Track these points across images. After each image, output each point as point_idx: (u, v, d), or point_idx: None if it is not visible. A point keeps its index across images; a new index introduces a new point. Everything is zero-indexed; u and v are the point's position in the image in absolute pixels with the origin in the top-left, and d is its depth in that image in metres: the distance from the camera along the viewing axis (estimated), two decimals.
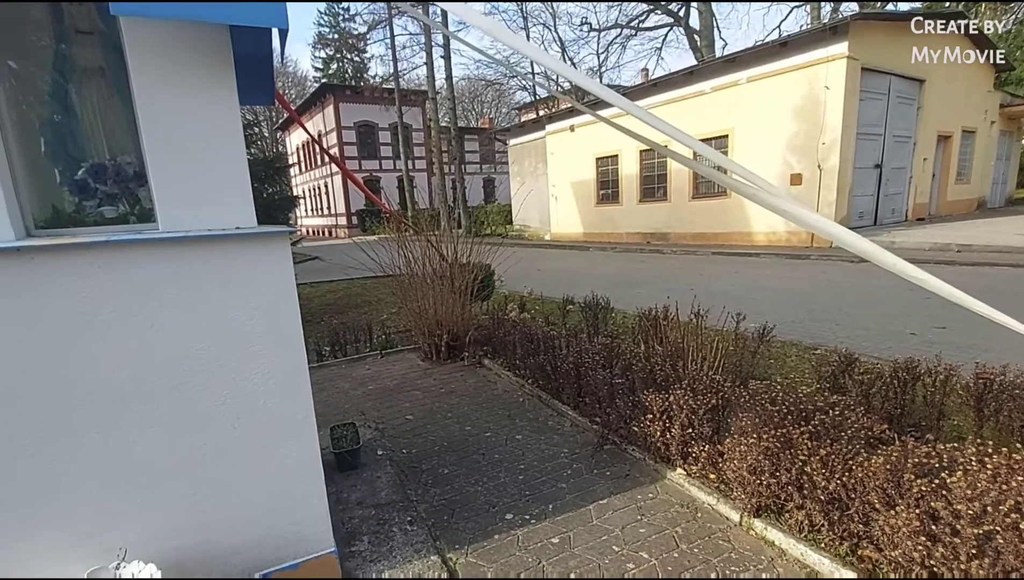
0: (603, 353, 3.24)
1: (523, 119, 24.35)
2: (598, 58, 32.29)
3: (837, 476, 1.67)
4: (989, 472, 1.44)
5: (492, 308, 5.76)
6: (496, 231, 24.52)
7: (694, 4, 26.55)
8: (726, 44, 30.91)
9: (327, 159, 34.39)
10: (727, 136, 13.28)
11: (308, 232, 41.97)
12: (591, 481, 2.54)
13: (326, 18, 44.09)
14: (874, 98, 11.90)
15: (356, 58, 44.48)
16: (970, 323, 4.84)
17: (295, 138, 41.11)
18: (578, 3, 37.69)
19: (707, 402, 2.19)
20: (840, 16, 18.35)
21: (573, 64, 33.36)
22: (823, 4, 26.17)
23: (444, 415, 3.57)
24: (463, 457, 2.92)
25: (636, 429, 2.44)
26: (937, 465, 1.50)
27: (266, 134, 49.24)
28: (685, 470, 2.37)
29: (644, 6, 28.83)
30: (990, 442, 1.98)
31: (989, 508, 1.38)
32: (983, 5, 19.34)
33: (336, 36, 44.00)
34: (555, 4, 33.50)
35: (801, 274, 8.76)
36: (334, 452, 2.79)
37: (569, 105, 21.24)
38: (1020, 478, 1.42)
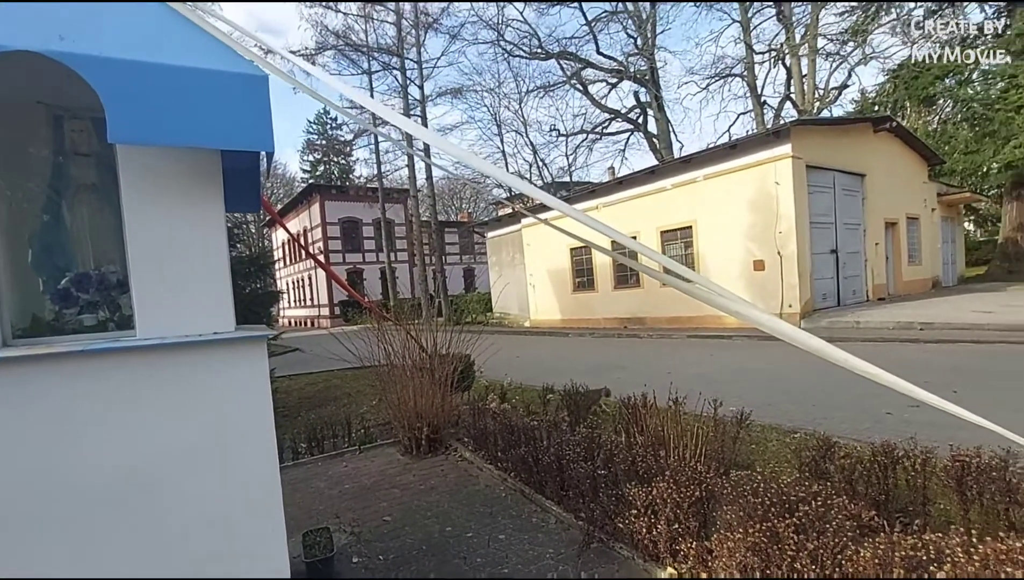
0: (584, 444, 3.19)
1: (500, 213, 25.49)
2: (567, 159, 34.62)
3: (828, 572, 1.63)
4: (977, 564, 1.43)
5: (472, 398, 5.67)
6: (477, 319, 24.67)
7: (651, 112, 29.24)
8: (683, 145, 33.75)
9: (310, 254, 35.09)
10: (691, 227, 14.09)
11: (291, 323, 41.96)
12: None
13: (315, 126, 46.95)
14: (821, 191, 12.94)
15: (342, 161, 46.85)
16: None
17: (282, 233, 42.10)
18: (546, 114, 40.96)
19: (691, 494, 2.16)
20: (782, 122, 20.37)
21: (544, 164, 35.74)
22: (766, 109, 29.11)
23: (424, 515, 3.39)
24: (444, 562, 2.75)
25: (621, 525, 2.36)
26: (924, 557, 1.48)
27: (253, 231, 50.17)
28: (675, 569, 2.27)
29: (607, 114, 31.60)
30: (976, 527, 1.97)
31: None
32: (909, 109, 21.74)
33: (324, 142, 46.61)
34: (525, 112, 36.39)
35: (774, 355, 8.94)
36: (306, 562, 2.61)
37: (538, 203, 22.28)
38: (1009, 568, 1.41)
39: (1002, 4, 18.68)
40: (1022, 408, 4.67)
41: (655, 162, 24.36)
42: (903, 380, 1.23)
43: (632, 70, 28.80)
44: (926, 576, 1.45)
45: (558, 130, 34.23)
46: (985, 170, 18.05)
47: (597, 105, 31.29)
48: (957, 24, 20.43)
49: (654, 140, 29.64)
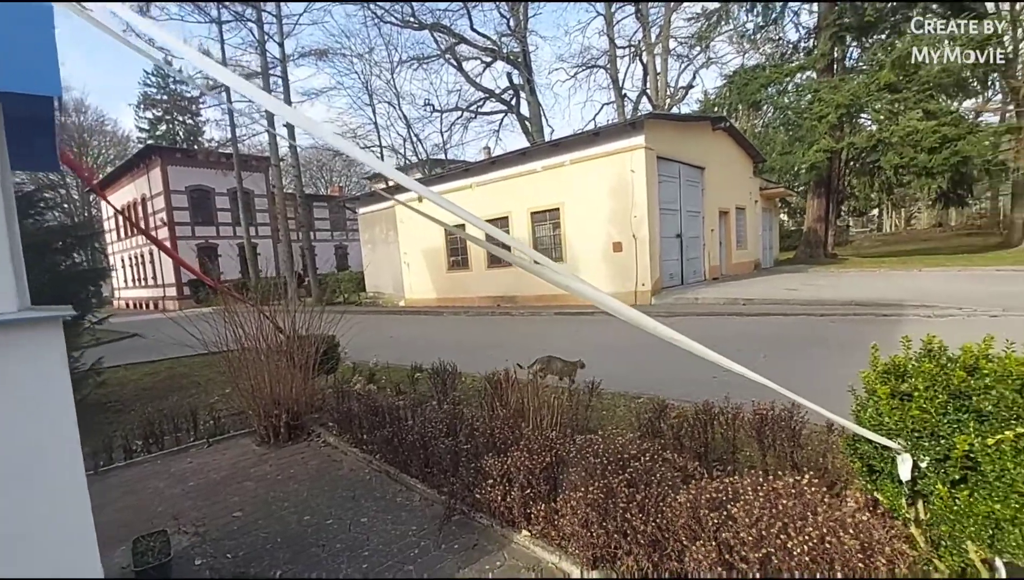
0: (446, 420, 3.24)
1: (373, 188, 24.41)
2: (442, 135, 34.19)
3: (652, 519, 1.86)
4: (762, 498, 1.73)
5: (338, 381, 5.45)
6: (349, 299, 23.52)
7: (523, 95, 29.93)
8: (553, 130, 35.28)
9: (151, 225, 30.36)
10: (559, 209, 14.83)
11: (130, 305, 36.07)
12: (439, 558, 2.46)
13: (153, 79, 40.28)
14: (669, 181, 14.40)
15: (189, 121, 41.00)
16: (758, 367, 5.89)
17: (117, 200, 35.74)
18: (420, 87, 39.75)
19: (542, 461, 2.31)
20: (639, 115, 22.15)
21: (419, 139, 34.92)
22: (626, 102, 31.37)
23: (280, 506, 3.20)
24: (299, 552, 2.63)
25: (479, 496, 2.46)
26: (724, 497, 1.77)
27: (76, 197, 41.92)
28: (529, 531, 2.43)
29: (481, 93, 31.70)
30: (771, 468, 2.38)
31: (764, 533, 1.66)
32: (741, 111, 24.89)
33: (165, 98, 40.31)
34: (398, 84, 35.03)
35: (628, 331, 9.83)
36: (136, 571, 2.32)
37: (413, 179, 21.78)
38: (785, 501, 1.73)
39: (811, 27, 22.11)
40: (809, 367, 5.73)
41: (528, 144, 25.08)
42: (699, 345, 1.42)
43: (505, 51, 29.11)
44: (725, 513, 1.72)
45: (432, 105, 33.61)
46: (796, 169, 21.49)
47: (471, 83, 31.21)
48: (779, 40, 23.82)
49: (527, 123, 30.47)
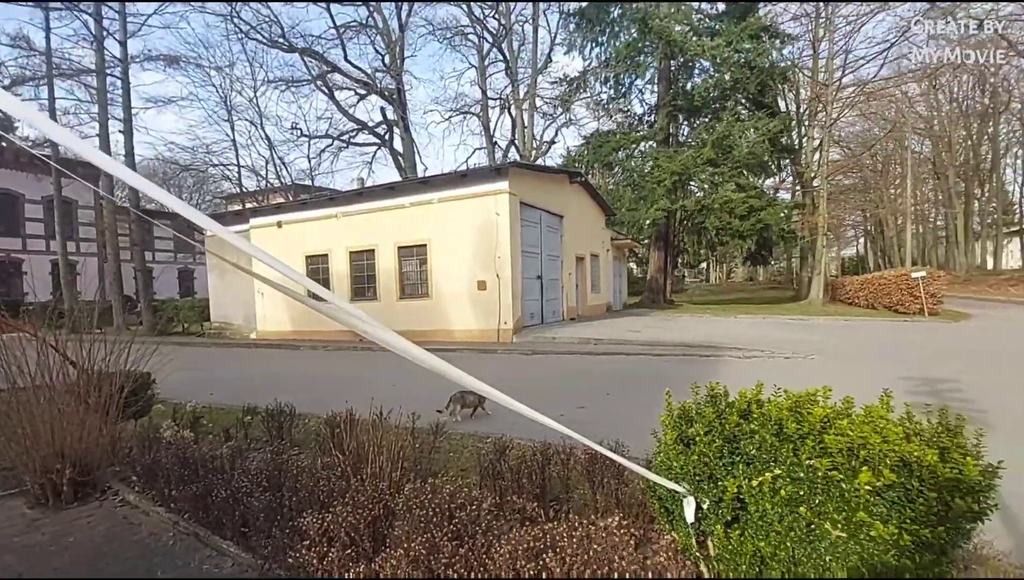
0: (266, 471, 2.89)
1: (229, 208, 22.14)
2: (309, 161, 32.51)
3: (476, 572, 1.79)
4: (575, 543, 1.76)
5: (146, 427, 4.62)
6: (190, 329, 20.58)
7: (397, 131, 29.91)
8: (426, 168, 35.52)
9: None
10: (426, 245, 14.78)
11: None
12: None
13: None
14: (531, 225, 15.25)
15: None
16: (603, 403, 6.30)
17: None
18: (287, 110, 37.66)
19: (368, 515, 2.13)
20: (504, 161, 23.37)
21: (283, 163, 32.82)
22: (496, 149, 32.93)
23: None
24: None
25: (292, 560, 2.18)
26: (542, 546, 1.76)
27: None
28: None
29: (354, 124, 30.98)
30: (600, 506, 2.47)
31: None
32: (596, 169, 27.49)
33: None
34: (261, 103, 32.85)
35: (492, 367, 9.97)
36: None
37: (273, 204, 20.26)
38: (596, 546, 1.78)
39: (653, 104, 25.48)
40: (647, 401, 6.27)
41: (398, 179, 24.93)
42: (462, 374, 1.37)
43: (380, 86, 28.96)
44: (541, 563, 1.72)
45: (300, 129, 31.93)
46: (641, 224, 24.16)
47: (344, 113, 30.37)
48: (628, 112, 27.02)
49: (400, 158, 30.32)
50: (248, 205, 26.53)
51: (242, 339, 18.46)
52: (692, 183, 23.06)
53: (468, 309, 14.19)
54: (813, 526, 1.51)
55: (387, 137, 30.89)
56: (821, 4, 21.86)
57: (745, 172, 22.34)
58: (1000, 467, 1.57)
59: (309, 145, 32.14)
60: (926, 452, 1.45)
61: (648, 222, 23.48)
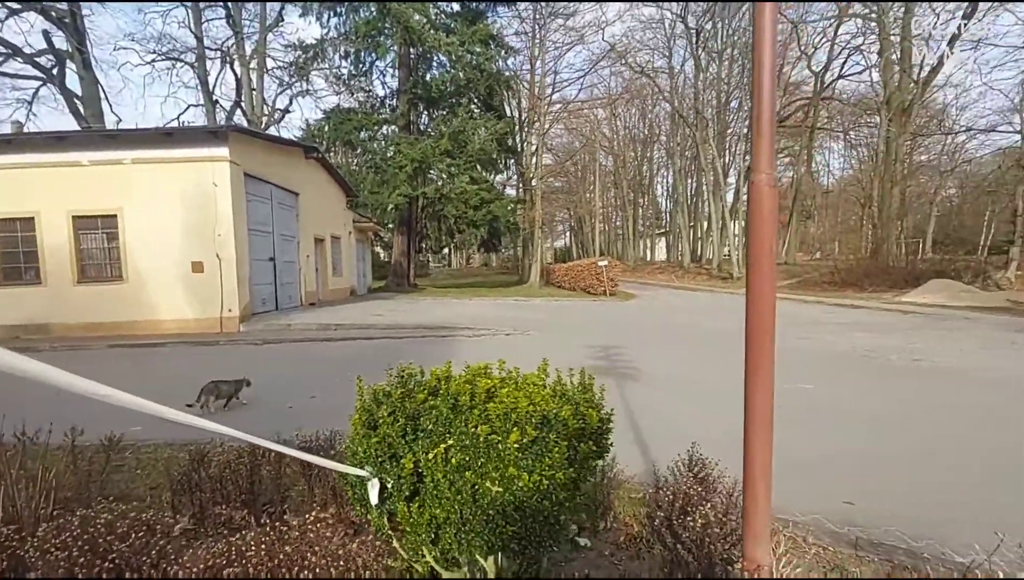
0: None
1: None
2: None
3: None
4: (264, 552, 1.65)
5: None
6: None
7: (72, 67, 22.85)
8: (120, 120, 28.07)
9: None
10: (116, 216, 11.76)
11: None
12: None
13: None
14: (261, 201, 13.64)
15: None
16: (336, 390, 6.10)
17: None
18: None
19: None
20: (225, 125, 20.33)
21: None
22: (219, 109, 28.29)
23: None
24: None
25: None
26: (224, 562, 1.61)
27: None
28: None
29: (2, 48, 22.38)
30: (318, 502, 2.39)
31: None
32: (338, 146, 26.09)
33: None
34: None
35: (209, 361, 8.59)
36: None
37: None
38: (288, 547, 1.71)
39: (396, 87, 25.48)
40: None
41: (79, 128, 19.00)
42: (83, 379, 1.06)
43: (41, 3, 21.54)
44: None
45: None
46: (385, 207, 24.07)
47: None
48: (370, 92, 26.40)
49: (77, 102, 23.17)
50: None
51: None
52: (432, 172, 24.04)
53: (181, 295, 11.91)
54: (477, 487, 1.69)
55: (55, 72, 23.18)
56: (536, 27, 25.29)
57: (478, 166, 24.42)
58: (612, 414, 2.05)
59: None
60: (563, 409, 1.78)
61: (391, 206, 23.57)
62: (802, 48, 33.34)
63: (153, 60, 27.93)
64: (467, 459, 1.68)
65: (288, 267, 15.55)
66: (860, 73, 32.61)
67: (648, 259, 52.70)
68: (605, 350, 8.99)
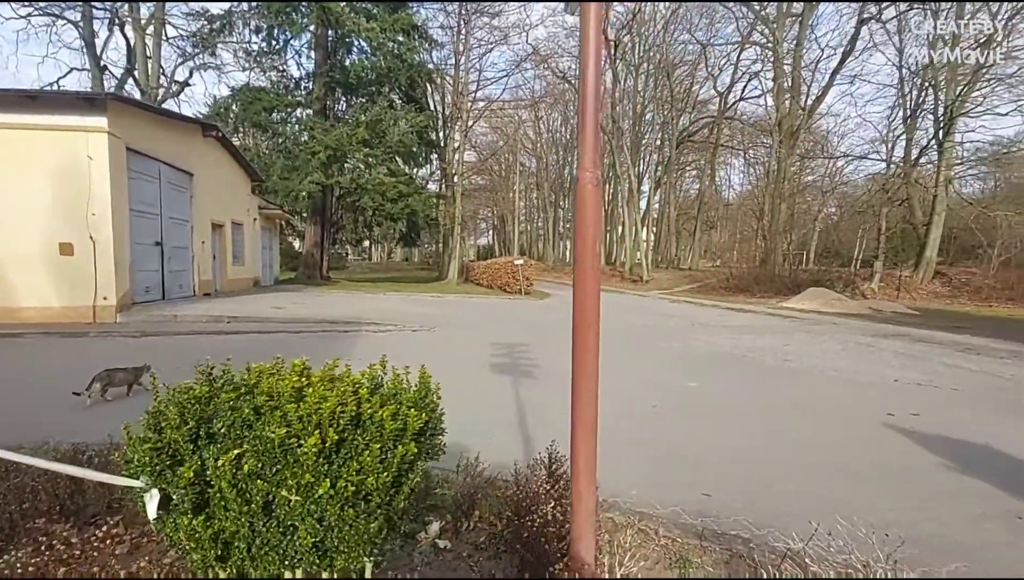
0: None
1: None
2: None
3: None
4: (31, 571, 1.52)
5: None
6: None
7: None
8: None
9: None
10: None
11: None
12: None
13: None
14: (147, 180, 12.46)
15: None
16: None
17: None
18: None
19: None
20: (100, 91, 18.39)
21: None
22: (107, 77, 25.48)
23: None
24: None
25: None
26: None
27: None
28: None
29: None
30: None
31: None
32: (246, 127, 24.38)
33: None
34: None
35: (73, 355, 7.75)
36: None
37: None
38: (64, 568, 1.57)
39: (311, 70, 24.26)
40: None
41: None
42: None
43: None
44: None
45: None
46: (296, 195, 22.85)
47: None
48: (284, 72, 24.96)
49: None
50: None
51: None
52: (348, 161, 23.18)
53: (44, 280, 10.61)
54: (272, 495, 1.57)
55: None
56: (462, 22, 25.18)
57: (398, 158, 23.89)
58: (443, 415, 2.01)
59: None
60: (383, 410, 1.69)
61: (303, 194, 22.45)
62: (709, 69, 35.91)
63: (29, 14, 24.59)
64: (259, 466, 1.58)
65: (179, 253, 14.35)
66: (758, 97, 35.77)
67: (567, 260, 54.30)
68: (510, 347, 9.17)
